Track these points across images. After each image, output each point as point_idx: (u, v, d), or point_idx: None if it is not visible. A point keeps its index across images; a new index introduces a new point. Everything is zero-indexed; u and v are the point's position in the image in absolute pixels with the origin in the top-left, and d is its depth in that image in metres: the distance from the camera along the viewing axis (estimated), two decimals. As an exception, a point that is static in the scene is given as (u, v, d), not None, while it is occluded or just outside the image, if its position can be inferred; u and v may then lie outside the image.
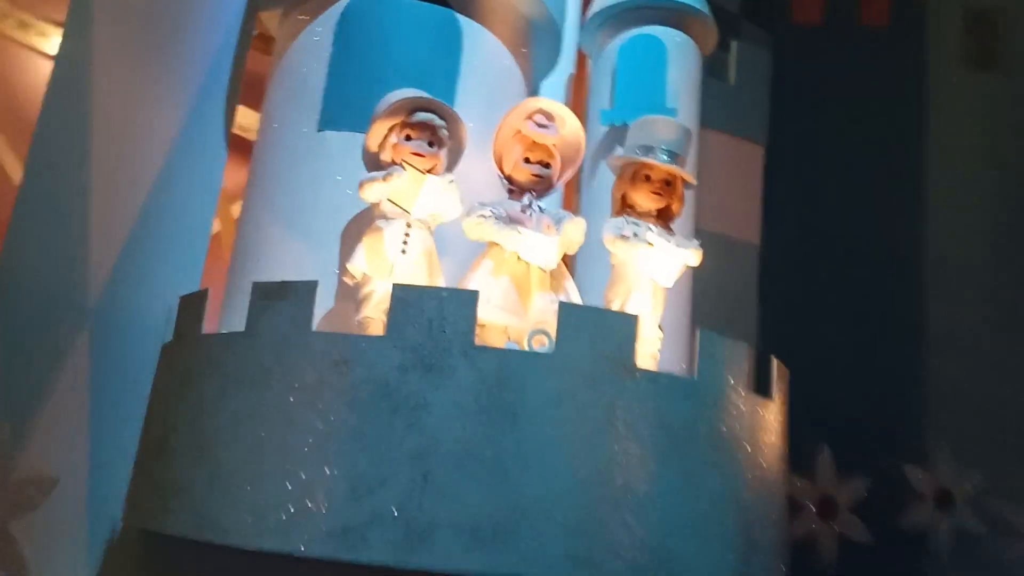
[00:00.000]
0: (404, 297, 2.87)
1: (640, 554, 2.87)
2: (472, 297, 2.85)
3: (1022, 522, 7.25)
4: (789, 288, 8.50)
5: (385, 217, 3.44)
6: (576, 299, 3.57)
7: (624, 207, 3.80)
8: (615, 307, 3.71)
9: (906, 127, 8.15)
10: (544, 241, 3.39)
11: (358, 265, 3.36)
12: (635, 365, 2.91)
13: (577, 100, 5.58)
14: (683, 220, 6.90)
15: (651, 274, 3.60)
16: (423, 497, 2.73)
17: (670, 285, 3.69)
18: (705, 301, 6.89)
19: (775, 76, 7.54)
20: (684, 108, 5.09)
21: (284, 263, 4.04)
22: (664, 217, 3.82)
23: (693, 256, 3.66)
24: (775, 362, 3.63)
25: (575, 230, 3.49)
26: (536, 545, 2.74)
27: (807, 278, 8.57)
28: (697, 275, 7.31)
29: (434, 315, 2.84)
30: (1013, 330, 8.11)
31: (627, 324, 2.92)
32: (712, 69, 6.51)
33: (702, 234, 7.68)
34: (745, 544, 3.16)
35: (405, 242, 3.43)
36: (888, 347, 8.02)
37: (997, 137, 8.36)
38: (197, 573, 3.28)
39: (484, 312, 3.40)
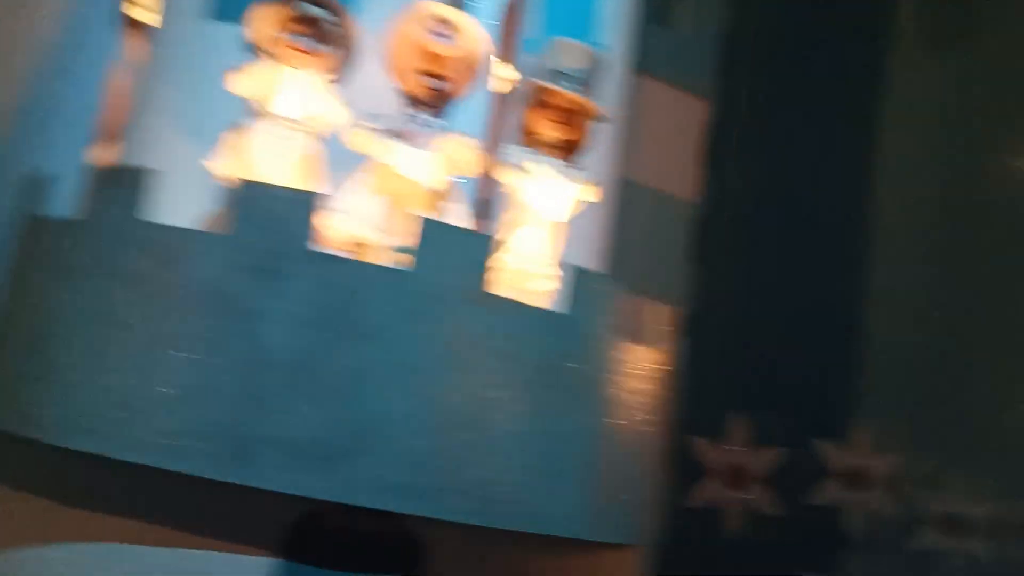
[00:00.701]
0: (242, 193, 2.64)
1: (483, 490, 2.71)
2: (316, 199, 2.63)
3: (936, 509, 7.26)
4: (726, 250, 8.40)
5: (259, 116, 3.20)
6: (465, 222, 3.37)
7: (528, 136, 3.59)
8: (502, 232, 3.55)
9: (860, 96, 7.99)
10: (424, 157, 3.17)
11: (218, 163, 3.11)
12: (491, 291, 2.72)
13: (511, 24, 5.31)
14: (611, 168, 6.80)
15: (539, 207, 3.41)
16: (250, 411, 2.54)
17: (562, 219, 3.49)
18: (631, 256, 6.77)
19: (727, 30, 7.30)
20: (617, 46, 4.85)
21: (172, 161, 3.78)
22: (571, 150, 3.62)
23: (585, 191, 3.46)
24: (654, 306, 3.46)
25: (457, 147, 3.27)
26: (370, 472, 2.57)
27: (746, 241, 8.45)
28: (623, 228, 7.20)
29: (275, 215, 2.62)
30: (954, 314, 8.06)
31: (484, 246, 2.73)
32: (660, 15, 6.28)
33: (632, 186, 7.57)
34: (601, 492, 3.01)
35: (275, 145, 3.19)
36: (824, 319, 7.93)
37: (950, 108, 8.21)
38: (26, 471, 3.10)
39: (360, 230, 3.21)
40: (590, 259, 5.27)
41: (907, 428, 7.53)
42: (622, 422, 3.11)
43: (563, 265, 3.03)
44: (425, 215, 2.86)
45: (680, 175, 7.14)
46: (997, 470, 7.65)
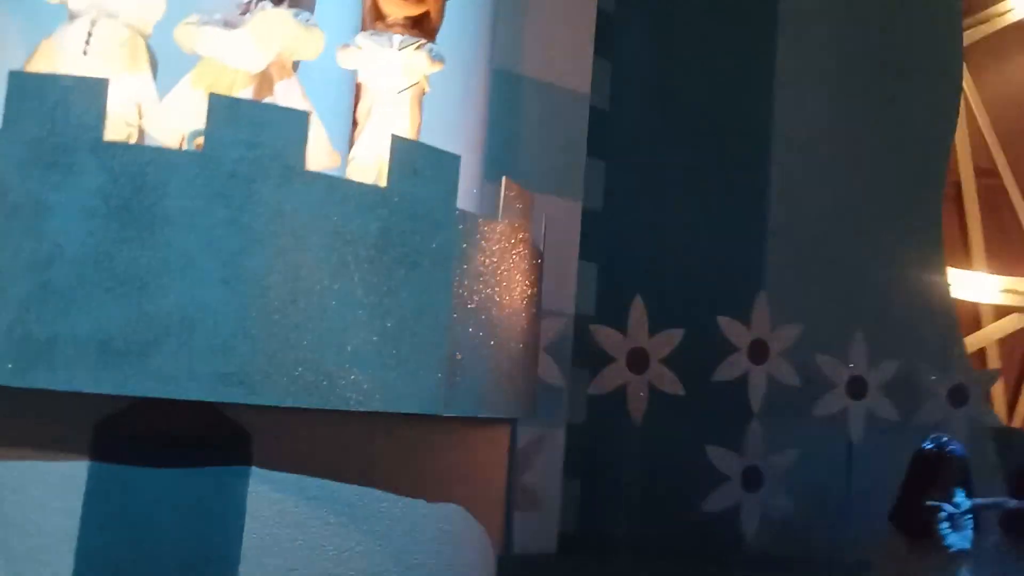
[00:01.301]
0: (22, 85, 2.46)
1: (306, 372, 2.64)
2: (102, 86, 2.45)
3: (836, 372, 7.48)
4: (627, 145, 8.41)
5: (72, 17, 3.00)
6: (294, 104, 3.20)
7: (377, 17, 3.47)
8: (360, 122, 3.45)
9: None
10: (235, 36, 2.99)
11: (33, 66, 2.91)
12: (304, 168, 2.61)
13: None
14: (503, 63, 6.64)
15: (387, 84, 3.30)
16: (44, 311, 2.42)
17: (402, 91, 3.37)
18: (526, 149, 6.68)
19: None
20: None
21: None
22: (423, 27, 3.50)
23: (420, 62, 3.34)
24: (509, 183, 3.37)
25: (264, 20, 3.08)
26: (178, 362, 2.48)
27: (649, 137, 8.44)
28: (515, 121, 7.08)
29: (58, 106, 2.45)
30: (843, 192, 8.22)
31: (295, 123, 2.60)
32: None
33: (528, 81, 7.42)
34: (447, 369, 2.97)
35: (87, 41, 2.98)
36: (721, 206, 8.02)
37: (845, 16, 8.30)
38: None
39: (178, 124, 3.05)
40: (471, 151, 5.19)
41: (807, 299, 7.71)
42: (473, 296, 3.05)
43: (395, 139, 2.91)
44: (219, 94, 2.71)
45: (575, 69, 7.03)
46: (894, 335, 7.93)
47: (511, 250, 3.42)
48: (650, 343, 6.58)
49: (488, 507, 3.79)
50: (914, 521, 5.84)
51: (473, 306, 3.14)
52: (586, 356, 6.75)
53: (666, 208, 7.99)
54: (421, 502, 3.19)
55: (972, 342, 10.47)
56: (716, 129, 8.24)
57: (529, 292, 3.72)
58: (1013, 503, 6.02)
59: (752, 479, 6.82)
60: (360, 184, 2.88)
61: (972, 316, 11.31)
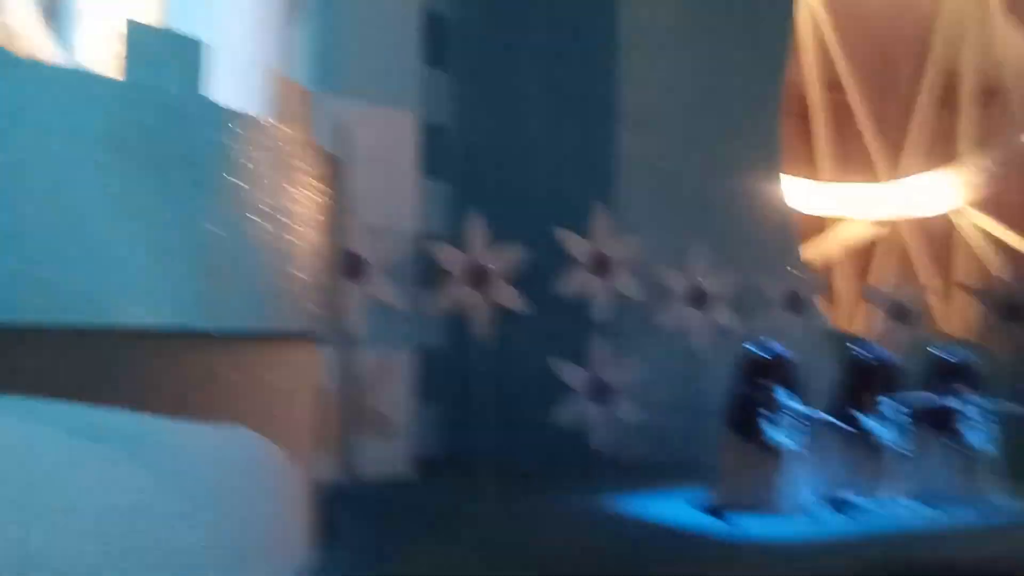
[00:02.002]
0: None
1: (34, 285, 2.35)
2: None
3: (677, 284, 7.61)
4: (475, 59, 8.17)
5: None
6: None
7: None
8: None
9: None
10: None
11: None
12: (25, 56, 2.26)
13: None
14: None
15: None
16: None
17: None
18: (355, 56, 6.35)
19: None
20: None
21: None
22: None
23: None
24: (275, 78, 3.10)
25: None
26: None
27: (495, 52, 8.23)
28: (346, 24, 6.68)
29: None
30: (683, 107, 8.27)
31: None
32: None
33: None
34: (208, 280, 2.73)
35: None
36: (565, 121, 7.92)
37: None
38: None
39: None
40: (280, 59, 4.81)
41: (647, 213, 7.76)
42: (245, 206, 2.80)
43: (130, 24, 2.57)
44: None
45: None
46: (734, 246, 8.12)
47: (288, 153, 3.17)
48: (491, 259, 6.46)
49: (292, 431, 3.61)
50: (744, 422, 6.08)
51: (241, 212, 2.90)
52: (429, 275, 6.57)
53: (511, 124, 7.82)
54: (204, 427, 2.97)
55: (816, 251, 10.94)
56: (562, 45, 8.09)
57: (318, 201, 3.49)
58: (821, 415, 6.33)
59: (599, 392, 6.89)
60: (92, 74, 2.55)
61: (818, 226, 11.80)
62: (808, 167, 11.99)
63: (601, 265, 6.97)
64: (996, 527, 5.82)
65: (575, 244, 6.86)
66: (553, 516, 5.61)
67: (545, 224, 6.84)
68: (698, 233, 7.69)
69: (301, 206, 3.30)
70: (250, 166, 2.91)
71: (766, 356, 6.09)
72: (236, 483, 3.09)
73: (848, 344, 6.69)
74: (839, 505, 6.11)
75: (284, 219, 3.15)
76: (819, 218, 11.27)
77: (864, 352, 6.49)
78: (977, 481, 6.61)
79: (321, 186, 3.54)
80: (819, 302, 8.44)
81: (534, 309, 6.70)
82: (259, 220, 2.98)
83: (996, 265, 10.59)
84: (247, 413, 3.18)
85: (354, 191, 4.77)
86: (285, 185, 3.17)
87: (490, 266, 6.40)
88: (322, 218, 3.55)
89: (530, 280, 6.64)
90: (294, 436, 3.60)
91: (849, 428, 6.27)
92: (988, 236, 11.15)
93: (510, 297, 6.53)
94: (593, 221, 6.96)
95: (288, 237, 3.18)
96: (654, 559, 4.63)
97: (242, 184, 2.88)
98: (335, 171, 3.77)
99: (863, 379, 6.40)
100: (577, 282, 6.91)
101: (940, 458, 6.65)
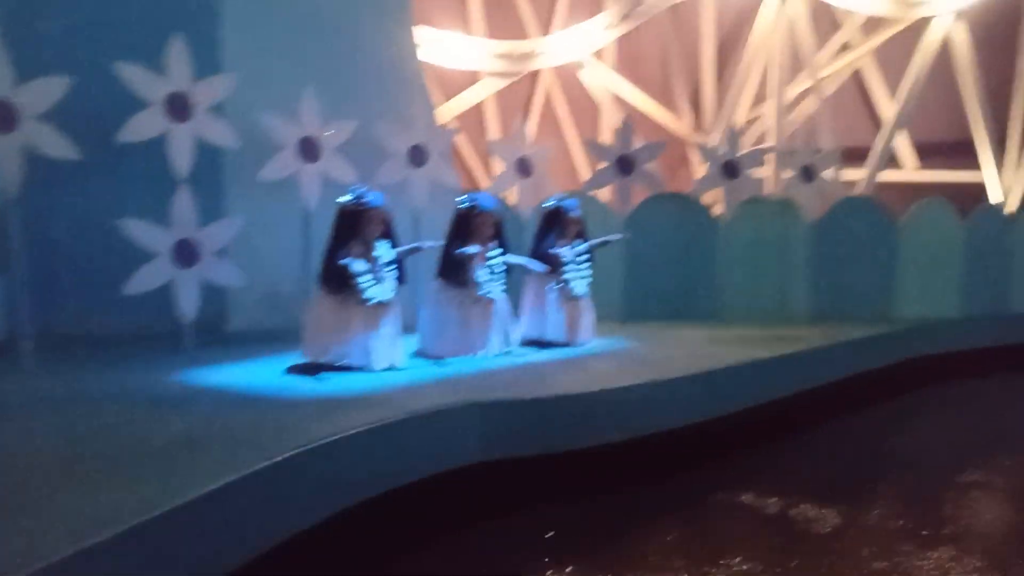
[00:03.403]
0: None
1: None
2: None
3: (284, 133, 6.81)
4: None
5: None
6: None
7: None
8: None
9: None
10: None
11: None
12: None
13: None
14: None
15: None
16: None
17: None
18: None
19: None
20: None
21: None
22: None
23: None
24: None
25: None
26: None
27: None
28: None
29: None
30: None
31: None
32: None
33: None
34: None
35: None
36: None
37: None
38: None
39: None
40: None
41: (248, 49, 6.82)
42: None
43: None
44: None
45: None
46: (352, 95, 7.48)
47: None
48: (17, 96, 5.21)
49: None
50: (335, 277, 5.65)
51: None
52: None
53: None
54: None
55: (453, 105, 10.69)
56: None
57: None
58: (428, 244, 6.09)
59: (185, 253, 6.04)
60: None
61: (469, 80, 11.53)
62: (460, 19, 11.59)
63: (179, 107, 5.98)
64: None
65: (143, 80, 5.78)
66: (102, 393, 4.79)
67: (103, 53, 5.66)
68: (310, 78, 6.92)
69: None
70: None
71: (356, 205, 5.62)
72: None
73: (457, 196, 6.43)
74: (438, 357, 6.00)
75: None
76: (462, 72, 10.96)
77: (472, 202, 6.26)
78: (583, 325, 6.87)
79: None
80: (449, 157, 8.13)
81: (92, 157, 5.62)
82: None
83: (618, 121, 11.00)
84: None
85: None
86: None
87: (17, 105, 5.15)
88: None
89: (83, 121, 5.51)
90: None
91: (452, 276, 6.12)
92: (614, 92, 11.56)
93: (51, 141, 5.36)
94: (168, 53, 5.90)
95: None
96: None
97: None
98: None
99: (469, 229, 6.20)
100: (147, 126, 5.87)
101: (549, 303, 6.79)
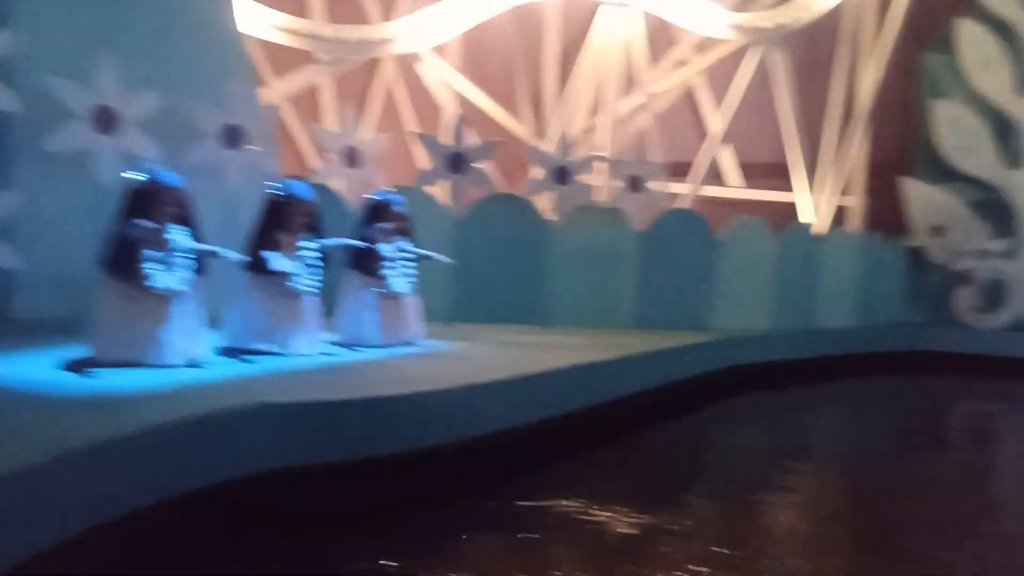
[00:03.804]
0: None
1: None
2: None
3: (77, 101, 6.15)
4: None
5: None
6: None
7: None
8: None
9: None
10: None
11: None
12: None
13: None
14: None
15: None
16: None
17: None
18: None
19: None
20: None
21: None
22: None
23: None
24: None
25: None
26: None
27: None
28: None
29: None
30: None
31: None
32: None
33: None
34: None
35: None
36: None
37: None
38: None
39: None
40: None
41: (29, 8, 6.10)
42: None
43: None
44: None
45: None
46: (159, 65, 6.87)
47: None
48: None
49: None
50: (123, 263, 5.09)
51: None
52: None
53: None
54: None
55: (280, 87, 10.07)
56: None
57: None
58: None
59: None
60: None
61: (291, 62, 10.92)
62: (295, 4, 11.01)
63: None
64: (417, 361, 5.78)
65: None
66: None
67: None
68: (109, 44, 6.25)
69: None
70: None
71: (151, 185, 5.08)
72: None
73: (268, 183, 5.97)
74: (239, 352, 5.55)
75: None
76: (299, 54, 10.38)
77: (284, 190, 5.84)
78: (403, 324, 6.58)
79: None
80: (271, 140, 7.63)
81: None
82: None
83: (451, 114, 10.81)
84: None
85: None
86: None
87: None
88: None
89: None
90: None
91: (260, 268, 5.68)
92: (448, 84, 11.36)
93: None
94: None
95: None
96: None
97: None
98: None
99: (280, 218, 5.78)
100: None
101: (366, 301, 6.47)
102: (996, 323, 11.64)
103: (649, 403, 7.12)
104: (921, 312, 12.23)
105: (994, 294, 11.77)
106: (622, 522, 4.60)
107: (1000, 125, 12.04)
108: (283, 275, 5.69)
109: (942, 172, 12.20)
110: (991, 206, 11.99)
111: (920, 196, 12.19)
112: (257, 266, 5.69)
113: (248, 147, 7.07)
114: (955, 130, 12.03)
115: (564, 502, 4.80)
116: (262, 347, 5.64)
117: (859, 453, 7.04)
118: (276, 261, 5.64)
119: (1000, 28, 11.91)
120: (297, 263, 5.75)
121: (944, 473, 6.33)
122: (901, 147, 13.33)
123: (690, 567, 3.94)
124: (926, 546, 4.56)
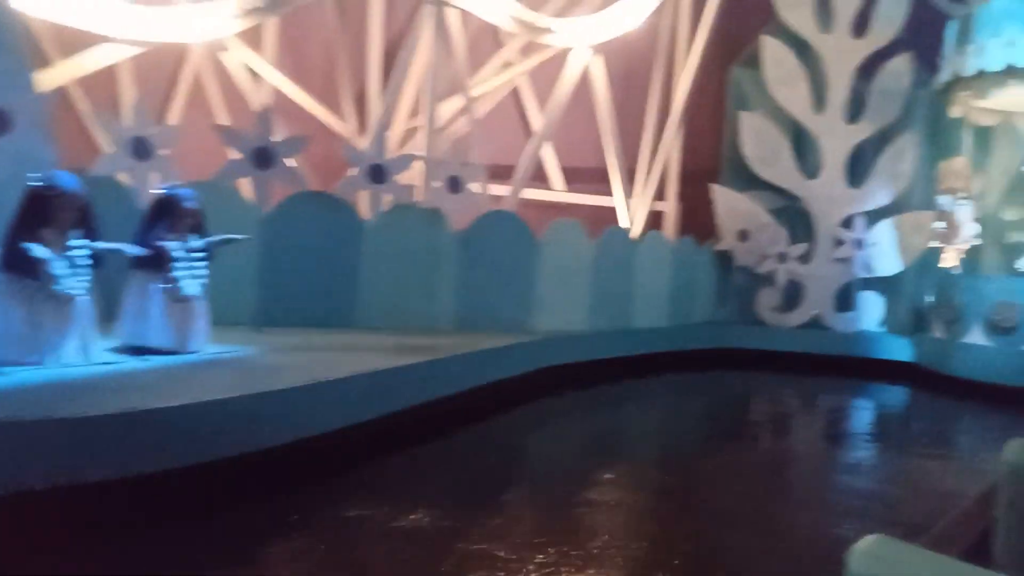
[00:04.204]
0: None
1: None
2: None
3: None
4: None
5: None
6: None
7: None
8: None
9: None
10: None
11: None
12: None
13: None
14: None
15: None
16: None
17: None
18: None
19: None
20: None
21: None
22: None
23: None
24: None
25: None
26: None
27: None
28: None
29: None
30: None
31: None
32: None
33: None
34: None
35: None
36: None
37: None
38: None
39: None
40: None
41: None
42: None
43: None
44: None
45: None
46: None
47: None
48: None
49: None
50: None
51: None
52: None
53: None
54: None
55: (62, 71, 9.17)
56: None
57: None
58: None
59: None
60: None
61: (79, 45, 10.00)
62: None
63: None
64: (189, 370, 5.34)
65: None
66: None
67: None
68: None
69: None
70: None
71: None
72: None
73: (31, 175, 5.35)
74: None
75: None
76: (87, 36, 9.49)
77: (47, 182, 5.25)
78: (191, 327, 6.11)
79: None
80: (44, 126, 6.88)
81: None
82: None
83: (255, 105, 10.28)
84: None
85: None
86: None
87: None
88: None
89: None
90: None
91: (18, 268, 5.07)
92: (252, 73, 10.81)
93: None
94: None
95: None
96: None
97: None
98: None
99: (43, 213, 5.19)
100: None
101: (152, 303, 5.96)
102: (793, 322, 12.44)
103: (463, 406, 7.01)
104: (728, 312, 12.90)
105: (792, 295, 12.59)
106: (426, 523, 4.46)
107: (799, 138, 12.89)
108: (47, 277, 5.11)
109: (748, 180, 12.90)
110: (791, 213, 12.82)
111: (728, 202, 12.83)
112: (14, 266, 5.08)
113: (14, 132, 6.34)
114: (758, 141, 12.75)
115: (366, 510, 4.59)
116: (23, 358, 5.06)
117: (664, 446, 7.29)
118: (38, 253, 5.05)
119: (800, 46, 12.73)
120: (65, 263, 5.19)
121: (739, 462, 6.62)
122: (713, 156, 14.01)
123: (499, 563, 3.86)
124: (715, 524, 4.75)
